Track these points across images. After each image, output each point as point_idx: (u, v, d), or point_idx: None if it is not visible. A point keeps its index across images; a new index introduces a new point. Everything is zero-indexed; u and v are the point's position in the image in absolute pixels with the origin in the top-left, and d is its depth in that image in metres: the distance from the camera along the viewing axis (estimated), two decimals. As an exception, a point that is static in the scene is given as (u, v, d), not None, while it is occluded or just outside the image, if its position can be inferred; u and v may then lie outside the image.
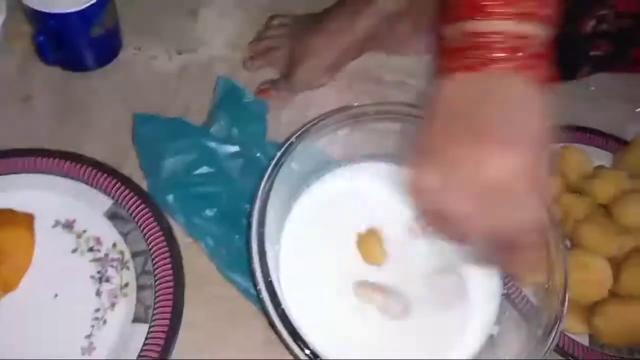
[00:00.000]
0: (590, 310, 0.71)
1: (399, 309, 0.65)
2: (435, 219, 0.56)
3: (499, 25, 0.50)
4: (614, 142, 0.85)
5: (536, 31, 0.51)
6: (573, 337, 0.70)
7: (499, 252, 0.55)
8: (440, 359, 0.64)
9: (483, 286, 0.68)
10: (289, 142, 0.66)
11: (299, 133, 0.67)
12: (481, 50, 0.50)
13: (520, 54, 0.50)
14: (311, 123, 0.68)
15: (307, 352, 0.56)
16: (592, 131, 0.86)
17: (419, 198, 0.55)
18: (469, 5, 0.51)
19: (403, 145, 0.70)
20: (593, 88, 0.92)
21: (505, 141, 0.49)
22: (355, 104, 0.70)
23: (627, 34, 0.86)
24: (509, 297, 0.67)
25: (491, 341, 0.65)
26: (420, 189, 0.53)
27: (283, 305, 0.58)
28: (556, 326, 0.60)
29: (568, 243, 0.74)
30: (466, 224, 0.52)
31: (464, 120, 0.51)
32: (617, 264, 0.72)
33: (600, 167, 0.81)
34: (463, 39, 0.51)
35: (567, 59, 0.89)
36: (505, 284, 0.68)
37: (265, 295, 0.58)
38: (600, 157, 0.83)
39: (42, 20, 0.77)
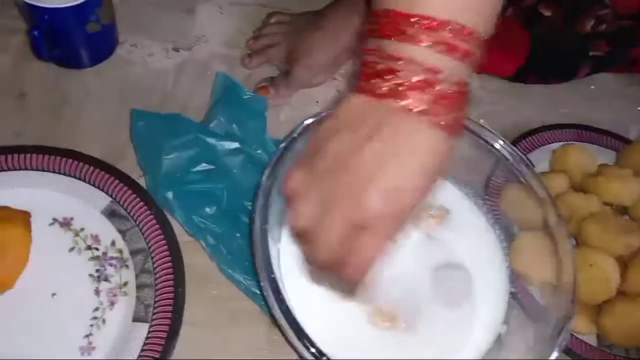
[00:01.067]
0: (597, 309, 0.70)
1: (404, 326, 0.63)
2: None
3: (414, 52, 0.46)
4: (616, 140, 0.85)
5: (452, 67, 0.46)
6: (580, 337, 0.69)
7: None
8: None
9: (490, 284, 0.67)
10: (291, 138, 0.65)
11: (300, 129, 0.65)
12: (391, 79, 0.46)
13: (428, 92, 0.46)
14: (313, 119, 0.66)
15: (313, 350, 0.54)
16: (595, 129, 0.86)
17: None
18: (389, 22, 0.47)
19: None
20: (593, 87, 0.93)
21: (383, 183, 0.46)
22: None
23: (626, 34, 0.85)
24: (516, 295, 0.66)
25: (499, 341, 0.64)
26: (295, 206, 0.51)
27: (287, 303, 0.56)
28: (566, 326, 0.59)
29: (573, 242, 0.73)
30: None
31: (348, 145, 0.48)
32: (624, 263, 0.71)
33: (604, 165, 0.80)
34: (379, 58, 0.48)
35: (566, 57, 0.89)
36: (512, 282, 0.67)
37: (269, 292, 0.57)
38: (604, 155, 0.83)
39: (37, 15, 0.75)
